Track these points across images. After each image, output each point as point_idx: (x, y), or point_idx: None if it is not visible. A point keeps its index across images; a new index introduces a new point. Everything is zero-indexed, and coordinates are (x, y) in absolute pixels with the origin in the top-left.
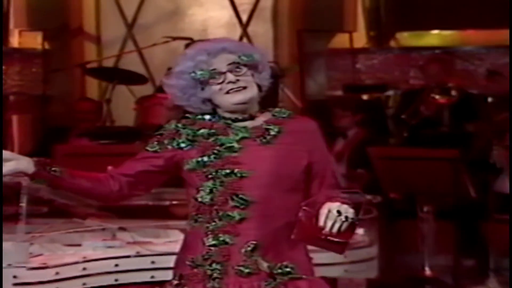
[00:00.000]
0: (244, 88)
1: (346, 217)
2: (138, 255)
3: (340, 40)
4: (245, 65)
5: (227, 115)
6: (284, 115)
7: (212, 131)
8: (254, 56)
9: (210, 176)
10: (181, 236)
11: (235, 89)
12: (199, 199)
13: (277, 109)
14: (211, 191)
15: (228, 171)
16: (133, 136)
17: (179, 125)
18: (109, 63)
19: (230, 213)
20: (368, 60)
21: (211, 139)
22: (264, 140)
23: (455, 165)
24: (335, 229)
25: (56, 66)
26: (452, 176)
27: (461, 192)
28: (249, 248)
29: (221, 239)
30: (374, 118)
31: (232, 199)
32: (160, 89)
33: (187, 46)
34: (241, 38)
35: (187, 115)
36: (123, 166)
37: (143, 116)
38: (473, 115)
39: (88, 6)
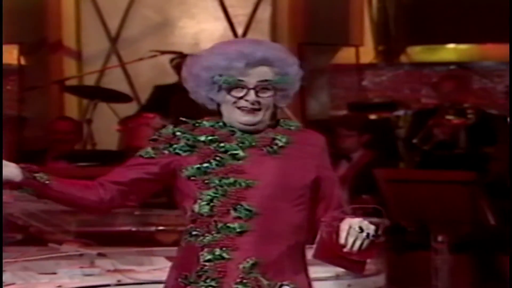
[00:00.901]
0: (259, 110)
1: (368, 234)
2: (119, 283)
3: (345, 55)
4: (274, 87)
5: (232, 125)
6: (292, 127)
7: (215, 137)
8: (289, 77)
9: (211, 184)
10: (167, 264)
11: (249, 109)
12: (197, 210)
13: (284, 120)
14: (211, 201)
15: (232, 180)
16: (115, 159)
17: (177, 129)
18: (90, 80)
19: (230, 225)
20: (376, 77)
21: (213, 145)
22: (271, 150)
23: (472, 189)
24: (356, 247)
25: (32, 84)
26: (469, 201)
27: (479, 220)
28: (247, 264)
29: (217, 253)
30: (382, 140)
31: (235, 209)
32: (146, 108)
33: (172, 61)
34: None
35: (185, 119)
36: (113, 174)
37: (128, 138)
38: (492, 137)
39: (68, 18)
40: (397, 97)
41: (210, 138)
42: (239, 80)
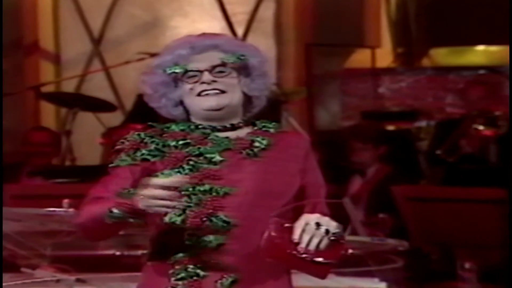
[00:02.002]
0: (222, 92)
1: (327, 231)
2: None
3: (359, 58)
4: (233, 67)
5: (203, 123)
6: (271, 128)
7: (186, 141)
8: (248, 59)
9: (184, 192)
10: None
11: (208, 92)
12: (167, 222)
13: (262, 121)
14: (183, 211)
15: (207, 186)
16: (97, 175)
17: (144, 134)
18: (70, 86)
19: (205, 238)
20: (394, 83)
21: (186, 149)
22: (250, 153)
23: (503, 209)
24: (312, 246)
25: (5, 90)
26: (500, 223)
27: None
28: (226, 282)
29: (191, 271)
30: (401, 153)
31: (211, 221)
32: (132, 118)
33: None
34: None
35: (151, 123)
36: (96, 191)
37: (112, 152)
38: None
39: (45, 16)
40: (418, 106)
41: (181, 142)
42: (187, 66)
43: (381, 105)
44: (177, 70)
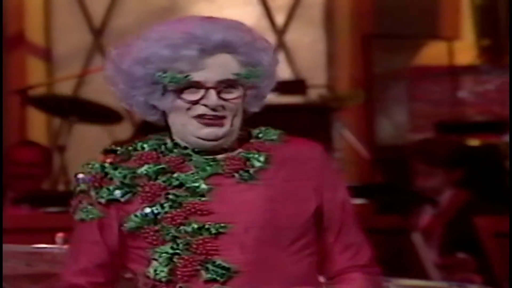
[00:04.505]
0: (223, 117)
1: None
2: None
3: (432, 53)
4: (242, 85)
5: (185, 143)
6: (272, 137)
7: (161, 166)
8: (263, 68)
9: (167, 237)
10: None
11: (210, 118)
12: (152, 275)
13: (261, 130)
14: (170, 260)
15: (195, 226)
16: None
17: (106, 165)
18: (64, 89)
19: None
20: (477, 85)
21: (162, 178)
22: (245, 176)
23: None
24: None
25: None
26: None
27: None
28: None
29: None
30: (485, 174)
31: (206, 269)
32: (143, 130)
33: None
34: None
35: (113, 147)
36: (68, 274)
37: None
38: None
39: (32, 2)
40: (508, 115)
41: (154, 168)
42: (192, 78)
43: (460, 114)
44: (178, 81)
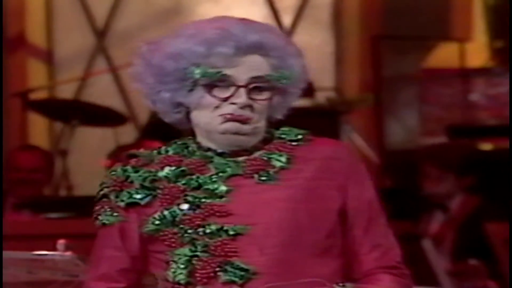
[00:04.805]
0: (248, 119)
1: None
2: None
3: (444, 55)
4: (271, 87)
5: (209, 144)
6: (295, 137)
7: (182, 168)
8: (294, 73)
9: (185, 239)
10: None
11: (236, 118)
12: (171, 278)
13: (284, 130)
14: (188, 263)
15: (213, 227)
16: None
17: (128, 169)
18: (66, 92)
19: None
20: (490, 88)
21: (182, 181)
22: (265, 177)
23: None
24: None
25: None
26: None
27: None
28: None
29: None
30: (496, 180)
31: (225, 271)
32: (148, 133)
33: None
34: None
35: (134, 152)
36: (100, 269)
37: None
38: None
39: (34, 3)
40: None
41: (175, 171)
42: (223, 73)
43: (472, 117)
44: (211, 76)
